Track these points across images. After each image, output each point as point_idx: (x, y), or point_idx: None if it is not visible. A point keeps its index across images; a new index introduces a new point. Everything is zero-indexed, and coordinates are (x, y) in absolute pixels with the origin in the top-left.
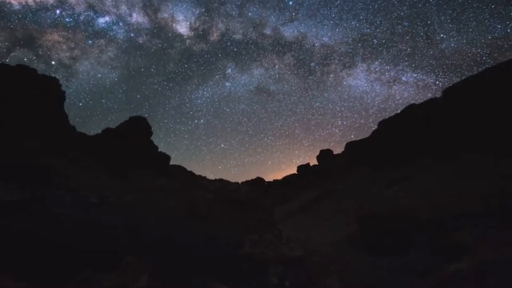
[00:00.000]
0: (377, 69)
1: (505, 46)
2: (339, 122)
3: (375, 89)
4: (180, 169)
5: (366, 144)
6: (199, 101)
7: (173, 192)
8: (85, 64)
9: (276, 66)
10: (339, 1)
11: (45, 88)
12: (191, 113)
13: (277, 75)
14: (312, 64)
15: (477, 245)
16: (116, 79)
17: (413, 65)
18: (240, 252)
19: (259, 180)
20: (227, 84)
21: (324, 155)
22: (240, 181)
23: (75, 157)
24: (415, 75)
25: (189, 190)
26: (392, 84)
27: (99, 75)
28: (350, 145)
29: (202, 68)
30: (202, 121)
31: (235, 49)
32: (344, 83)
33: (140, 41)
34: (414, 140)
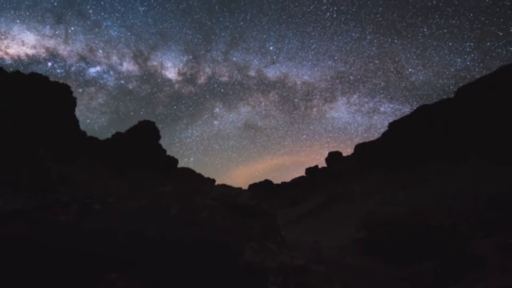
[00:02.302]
0: (356, 102)
1: (468, 76)
2: (327, 152)
3: (357, 120)
4: (188, 171)
5: (376, 146)
6: (188, 140)
7: (176, 198)
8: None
9: (262, 104)
10: (315, 45)
11: (57, 94)
12: (180, 152)
13: (263, 112)
14: (296, 100)
15: (493, 258)
16: (105, 123)
17: (389, 96)
18: (240, 261)
19: (268, 182)
20: (215, 122)
21: (333, 157)
22: (248, 184)
23: (85, 162)
24: (392, 105)
25: (191, 196)
26: (372, 114)
27: (88, 121)
28: (360, 147)
29: (191, 108)
30: (192, 159)
31: (222, 90)
32: (328, 115)
33: (130, 87)
34: (427, 142)
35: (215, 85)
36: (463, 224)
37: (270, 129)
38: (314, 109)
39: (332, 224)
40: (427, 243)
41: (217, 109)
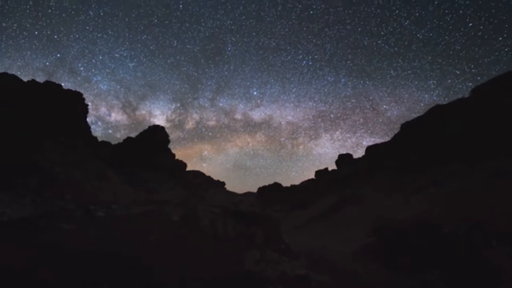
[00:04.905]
0: (339, 138)
1: None
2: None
3: None
4: (197, 174)
5: (388, 148)
6: None
7: (179, 204)
8: None
9: (250, 144)
10: (295, 89)
11: (69, 101)
12: None
13: (251, 152)
14: (282, 139)
15: (508, 269)
16: None
17: (369, 131)
18: (240, 270)
19: (277, 185)
20: (204, 165)
21: (344, 159)
22: (257, 187)
23: (95, 167)
24: (373, 139)
25: (194, 203)
26: (356, 148)
27: None
28: (371, 149)
29: (179, 153)
30: None
31: (210, 134)
32: (314, 152)
33: (118, 136)
34: (440, 143)
35: (203, 129)
36: (476, 231)
37: (259, 168)
38: (301, 147)
39: (341, 228)
40: (438, 250)
41: (205, 152)
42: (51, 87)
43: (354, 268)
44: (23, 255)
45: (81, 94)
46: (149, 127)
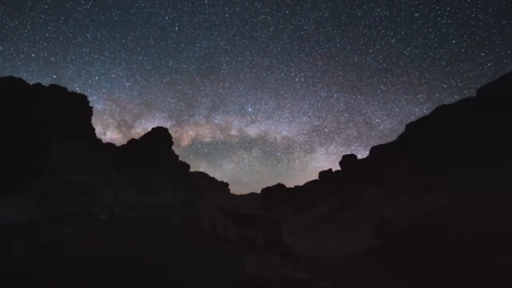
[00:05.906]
0: (334, 151)
1: None
2: None
3: (338, 168)
4: (201, 176)
5: (393, 149)
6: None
7: (180, 207)
8: None
9: (246, 160)
10: (289, 105)
11: (74, 104)
12: None
13: (247, 167)
14: (278, 154)
15: None
16: None
17: (363, 144)
18: (239, 274)
19: (280, 186)
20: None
21: (348, 160)
22: (261, 187)
23: (99, 169)
24: (367, 152)
25: (195, 205)
26: None
27: None
28: (375, 150)
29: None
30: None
31: (205, 150)
32: (310, 166)
33: None
34: (447, 144)
35: (199, 146)
36: (483, 235)
37: (256, 183)
38: (297, 161)
39: (345, 230)
40: (441, 255)
41: (201, 169)
42: (56, 90)
43: (356, 271)
44: (25, 257)
45: (86, 97)
46: (153, 128)
